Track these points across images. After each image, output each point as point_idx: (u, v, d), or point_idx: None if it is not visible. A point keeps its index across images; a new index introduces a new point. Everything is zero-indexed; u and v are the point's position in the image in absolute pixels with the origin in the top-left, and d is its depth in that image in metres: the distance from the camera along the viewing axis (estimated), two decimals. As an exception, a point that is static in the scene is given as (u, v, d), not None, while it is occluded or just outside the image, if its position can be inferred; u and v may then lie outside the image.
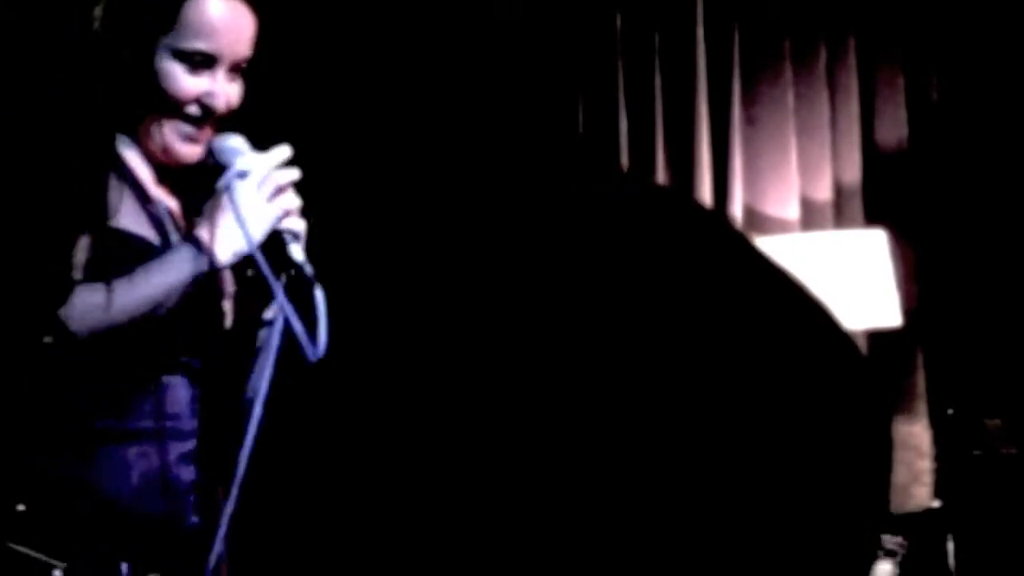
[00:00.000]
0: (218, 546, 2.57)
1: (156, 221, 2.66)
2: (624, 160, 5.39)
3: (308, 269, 2.58)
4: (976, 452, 5.07)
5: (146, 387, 2.60)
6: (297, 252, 2.60)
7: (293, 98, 4.77)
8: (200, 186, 2.68)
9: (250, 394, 2.67)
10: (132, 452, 2.59)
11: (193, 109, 2.65)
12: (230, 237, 2.59)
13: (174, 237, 2.67)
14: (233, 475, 2.55)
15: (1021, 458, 4.99)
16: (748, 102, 5.45)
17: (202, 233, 2.59)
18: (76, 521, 2.55)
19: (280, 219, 2.60)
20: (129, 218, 2.62)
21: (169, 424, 2.62)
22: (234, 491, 2.54)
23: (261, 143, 2.66)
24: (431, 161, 4.87)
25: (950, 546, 5.03)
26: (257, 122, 2.70)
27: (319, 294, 2.56)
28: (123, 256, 2.57)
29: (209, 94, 2.65)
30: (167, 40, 2.63)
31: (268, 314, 2.69)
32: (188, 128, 2.67)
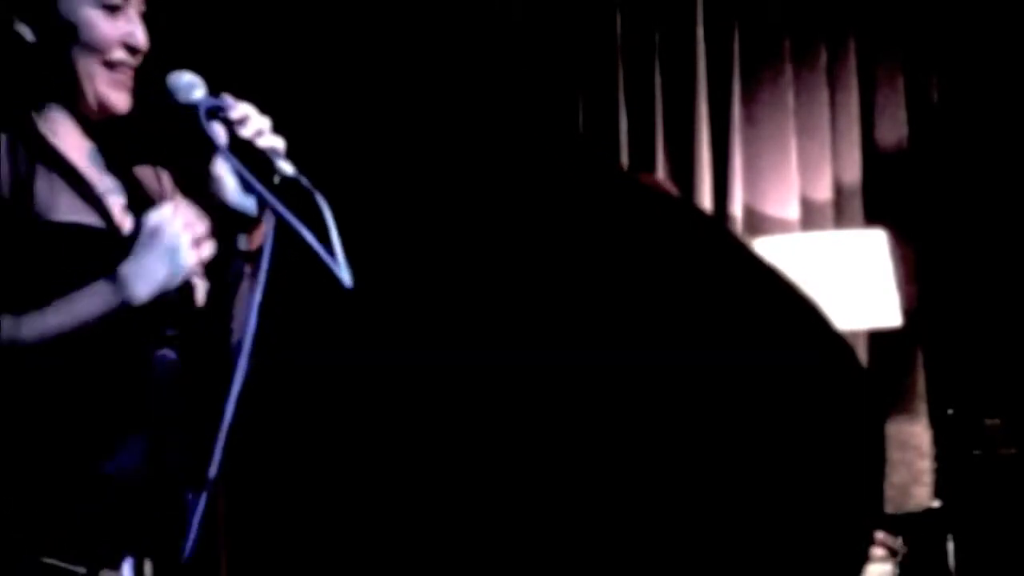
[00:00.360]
0: (198, 513, 2.55)
1: (96, 203, 2.66)
2: (624, 160, 5.39)
3: (304, 181, 2.57)
4: (976, 452, 5.07)
5: (130, 365, 2.59)
6: (287, 167, 2.59)
7: (293, 99, 4.77)
8: (146, 135, 2.70)
9: (236, 337, 2.65)
10: (127, 433, 2.59)
11: (119, 53, 2.67)
12: (151, 274, 2.56)
13: (117, 214, 2.65)
14: (216, 438, 2.53)
15: (1021, 458, 4.99)
16: (748, 102, 5.45)
17: (124, 268, 2.56)
18: (81, 512, 2.56)
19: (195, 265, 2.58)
20: (66, 207, 2.62)
21: (157, 402, 2.62)
22: (218, 448, 2.52)
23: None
24: (430, 160, 4.87)
25: (950, 546, 5.03)
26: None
27: (322, 202, 2.54)
28: (70, 248, 2.57)
29: (131, 34, 2.67)
30: None
31: (243, 244, 2.69)
32: (118, 75, 2.67)
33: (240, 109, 2.64)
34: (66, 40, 2.66)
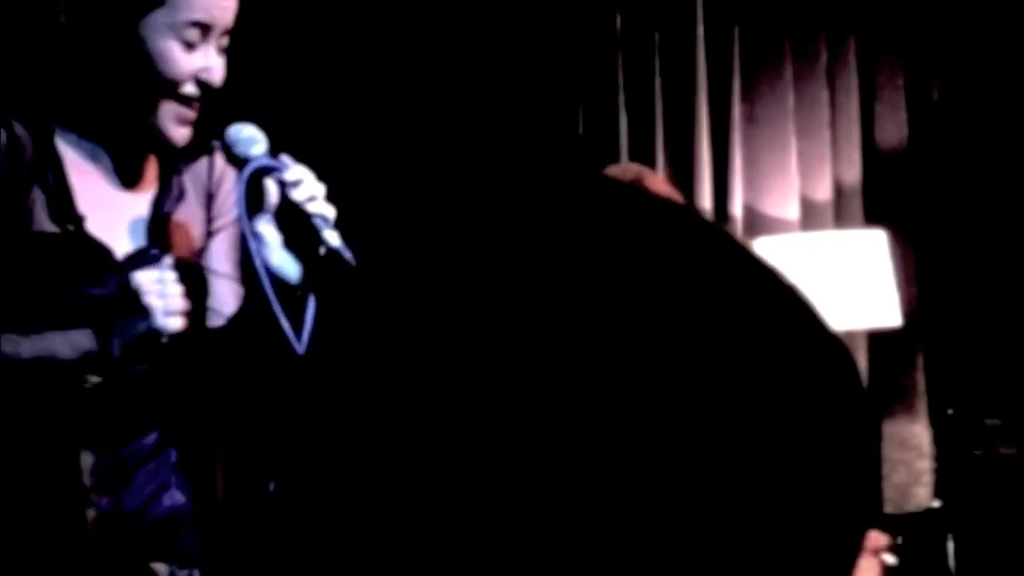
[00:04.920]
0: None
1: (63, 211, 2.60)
2: (624, 160, 5.39)
3: (347, 254, 2.52)
4: (976, 452, 5.07)
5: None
6: (333, 237, 2.54)
7: (291, 100, 4.76)
8: (188, 171, 2.65)
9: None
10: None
11: (190, 88, 2.59)
12: (125, 333, 2.52)
13: (93, 226, 2.59)
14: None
15: (1021, 458, 4.99)
16: (748, 102, 5.45)
17: (104, 323, 2.52)
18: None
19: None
20: (42, 216, 2.57)
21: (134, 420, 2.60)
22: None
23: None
24: (430, 161, 4.86)
25: (950, 546, 5.03)
26: (255, 122, 2.67)
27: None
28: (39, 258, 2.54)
29: (206, 70, 2.58)
30: (158, 17, 2.55)
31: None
32: (184, 109, 2.59)
33: (295, 171, 2.57)
34: (139, 69, 2.56)
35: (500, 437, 0.82)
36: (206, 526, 2.73)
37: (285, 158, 2.59)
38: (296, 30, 4.95)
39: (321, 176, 2.60)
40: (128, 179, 2.67)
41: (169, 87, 2.58)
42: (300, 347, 2.46)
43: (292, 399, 2.48)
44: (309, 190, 2.57)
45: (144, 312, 2.49)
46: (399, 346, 0.85)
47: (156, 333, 2.51)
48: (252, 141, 2.58)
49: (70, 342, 2.50)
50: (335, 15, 5.07)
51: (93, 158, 2.63)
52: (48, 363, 2.48)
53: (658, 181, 4.22)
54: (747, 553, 0.80)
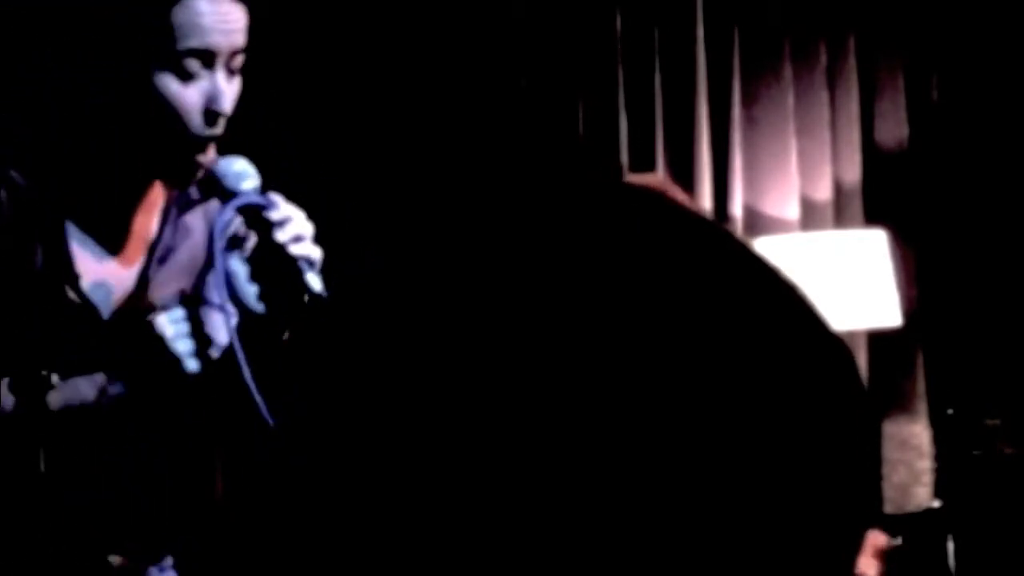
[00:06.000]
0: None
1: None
2: (624, 160, 5.39)
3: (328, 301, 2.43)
4: (976, 452, 5.07)
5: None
6: (315, 282, 2.44)
7: (291, 100, 4.77)
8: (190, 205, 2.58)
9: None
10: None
11: (197, 123, 2.44)
12: (147, 372, 2.47)
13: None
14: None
15: (1021, 458, 4.99)
16: (748, 102, 5.45)
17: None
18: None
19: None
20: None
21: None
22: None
23: (257, 146, 2.59)
24: (430, 161, 4.86)
25: (950, 546, 5.03)
26: (253, 125, 2.64)
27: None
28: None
29: (212, 99, 2.43)
30: (159, 52, 2.43)
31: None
32: (196, 153, 2.46)
33: (283, 210, 2.46)
34: (140, 113, 2.44)
35: (501, 437, 0.82)
36: (205, 527, 2.73)
37: (274, 196, 2.50)
38: (300, 32, 4.94)
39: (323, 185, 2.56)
40: (116, 247, 2.58)
41: (177, 123, 2.44)
42: (260, 399, 2.39)
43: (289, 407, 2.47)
44: (295, 230, 2.47)
45: (171, 357, 2.45)
46: (414, 346, 0.85)
47: (184, 374, 2.47)
48: (243, 176, 2.48)
49: (95, 384, 2.47)
50: (335, 13, 5.07)
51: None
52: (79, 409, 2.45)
53: (678, 192, 4.24)
54: (747, 553, 0.80)
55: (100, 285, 2.53)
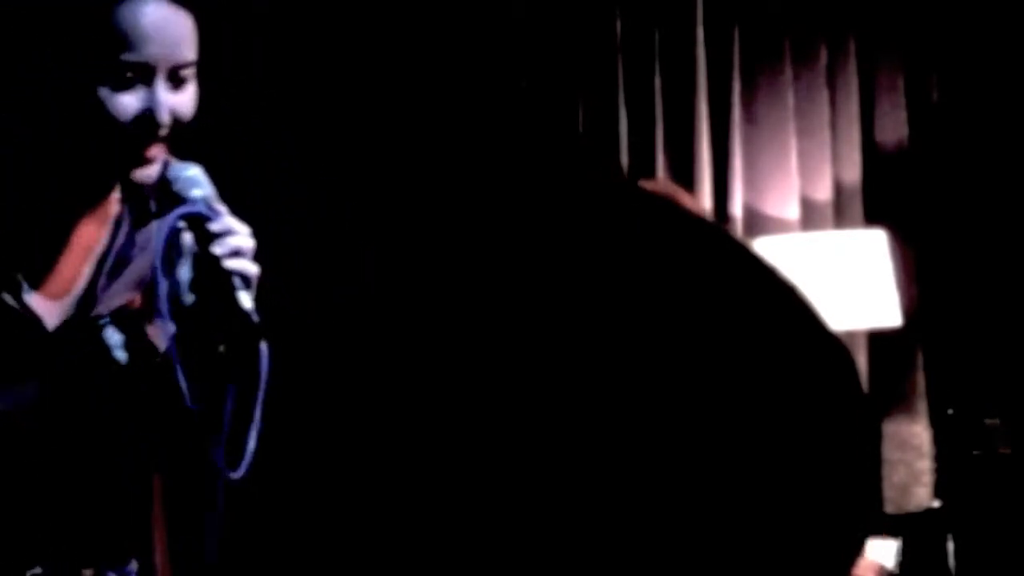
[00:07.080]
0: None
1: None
2: (624, 160, 5.40)
3: (255, 318, 2.37)
4: (976, 452, 5.08)
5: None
6: (245, 299, 2.38)
7: (291, 100, 4.77)
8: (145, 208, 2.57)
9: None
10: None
11: (134, 128, 2.37)
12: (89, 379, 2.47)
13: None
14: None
15: (1020, 458, 4.99)
16: (748, 102, 5.46)
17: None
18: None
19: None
20: None
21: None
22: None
23: (254, 148, 2.59)
24: (430, 161, 4.86)
25: (950, 546, 5.03)
26: (253, 125, 2.64)
27: (264, 348, 2.39)
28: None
29: (149, 109, 2.36)
30: (100, 60, 2.35)
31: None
32: (141, 156, 2.39)
33: (224, 223, 2.40)
34: (82, 121, 2.37)
35: (503, 437, 0.82)
36: (206, 526, 2.73)
37: (221, 208, 2.43)
38: (299, 32, 4.95)
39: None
40: (59, 258, 2.52)
41: (114, 131, 2.38)
42: (191, 401, 2.36)
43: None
44: (234, 244, 2.40)
45: (115, 366, 2.46)
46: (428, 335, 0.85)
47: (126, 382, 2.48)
48: (194, 182, 2.42)
49: (28, 390, 2.45)
50: (335, 13, 5.07)
51: None
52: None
53: (687, 199, 4.25)
54: (747, 552, 0.80)
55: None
